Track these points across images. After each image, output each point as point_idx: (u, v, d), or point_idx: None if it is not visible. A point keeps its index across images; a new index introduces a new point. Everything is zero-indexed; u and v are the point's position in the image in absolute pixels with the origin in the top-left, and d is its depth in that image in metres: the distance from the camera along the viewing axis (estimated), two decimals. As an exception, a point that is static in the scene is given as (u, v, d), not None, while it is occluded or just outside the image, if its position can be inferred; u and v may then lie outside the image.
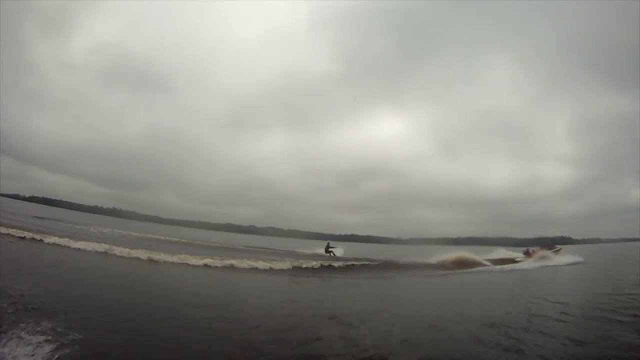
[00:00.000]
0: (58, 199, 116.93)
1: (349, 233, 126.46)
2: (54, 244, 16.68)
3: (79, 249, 16.35)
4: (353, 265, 20.07)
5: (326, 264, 19.29)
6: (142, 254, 16.13)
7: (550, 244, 31.25)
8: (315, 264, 18.83)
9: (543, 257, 26.88)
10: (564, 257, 28.00)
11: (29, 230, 18.43)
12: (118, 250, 16.40)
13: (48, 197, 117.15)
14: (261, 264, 16.96)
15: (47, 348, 4.84)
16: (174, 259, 16.07)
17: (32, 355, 4.65)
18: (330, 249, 27.39)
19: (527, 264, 24.73)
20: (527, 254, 28.25)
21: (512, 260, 26.43)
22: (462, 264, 22.35)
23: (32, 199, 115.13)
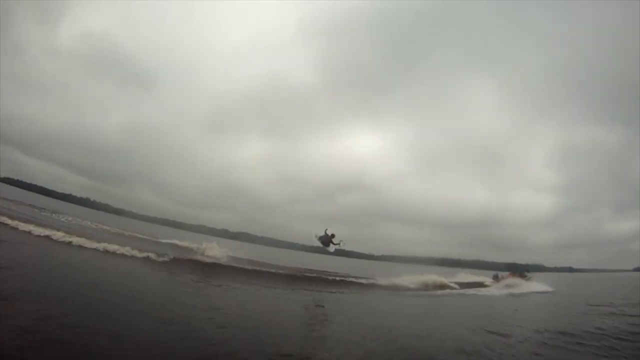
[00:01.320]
0: (33, 183, 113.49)
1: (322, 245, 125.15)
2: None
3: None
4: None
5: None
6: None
7: (522, 271, 31.30)
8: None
9: (512, 284, 26.82)
10: (533, 285, 28.03)
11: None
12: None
13: (23, 180, 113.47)
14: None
15: None
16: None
17: None
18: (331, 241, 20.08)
19: (494, 289, 24.61)
20: (496, 279, 28.21)
21: (481, 285, 26.30)
22: (430, 286, 22.00)
23: (6, 180, 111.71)
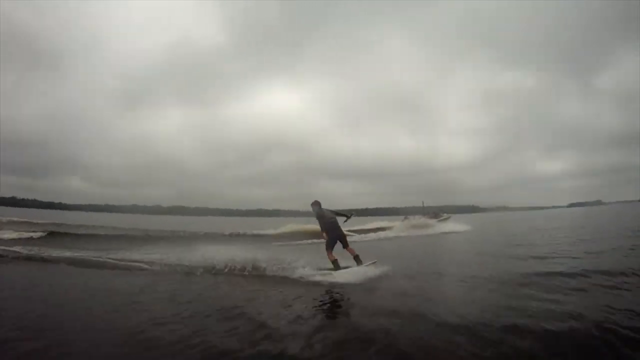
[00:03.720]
0: None
1: (256, 208, 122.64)
2: None
3: None
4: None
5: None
6: None
7: (436, 212, 30.16)
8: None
9: (421, 225, 25.36)
10: (447, 225, 26.90)
11: None
12: None
13: None
14: None
15: None
16: None
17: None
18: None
19: (396, 231, 22.94)
20: (406, 221, 26.74)
21: (384, 229, 24.48)
22: (309, 235, 19.32)
23: None
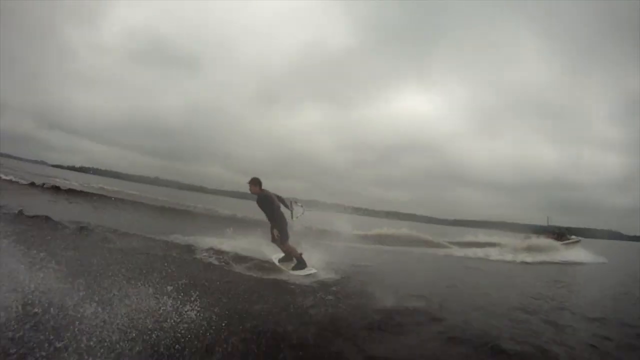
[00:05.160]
0: (107, 169, 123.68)
1: (392, 210, 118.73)
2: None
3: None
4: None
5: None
6: None
7: (562, 233, 24.07)
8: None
9: (542, 248, 20.46)
10: (574, 253, 21.05)
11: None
12: None
13: (97, 167, 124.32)
14: None
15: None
16: None
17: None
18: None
19: (503, 252, 18.78)
20: (528, 239, 21.98)
21: (493, 245, 20.33)
22: (400, 241, 17.12)
23: (82, 169, 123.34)
